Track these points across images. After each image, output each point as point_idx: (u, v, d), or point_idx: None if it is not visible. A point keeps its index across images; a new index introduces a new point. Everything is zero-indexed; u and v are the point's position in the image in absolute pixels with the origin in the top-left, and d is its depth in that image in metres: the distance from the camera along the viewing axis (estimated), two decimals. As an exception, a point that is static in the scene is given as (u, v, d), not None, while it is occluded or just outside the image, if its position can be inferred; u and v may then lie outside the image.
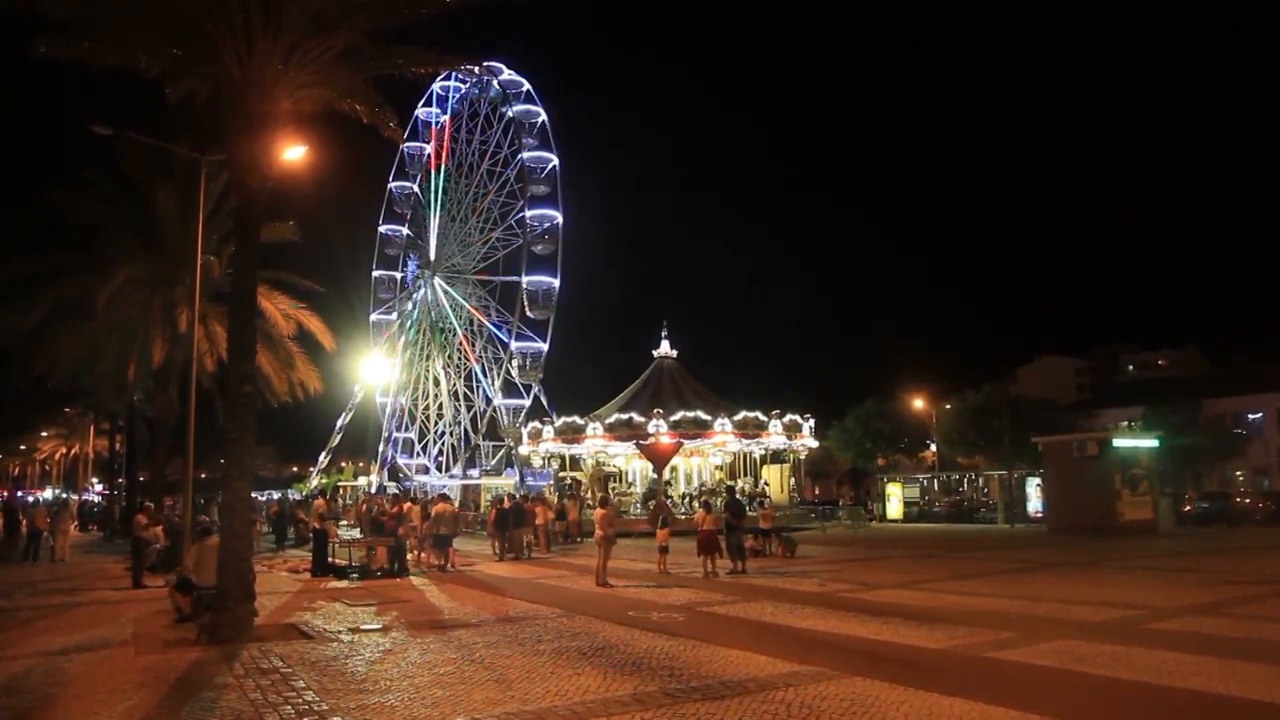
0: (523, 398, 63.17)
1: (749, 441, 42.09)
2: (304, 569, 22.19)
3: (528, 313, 60.88)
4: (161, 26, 13.57)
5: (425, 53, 15.80)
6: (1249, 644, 11.02)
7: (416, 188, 70.61)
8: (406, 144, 68.90)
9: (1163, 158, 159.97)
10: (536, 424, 45.31)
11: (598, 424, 40.31)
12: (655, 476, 41.36)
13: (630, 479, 46.39)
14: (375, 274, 72.47)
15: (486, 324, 64.67)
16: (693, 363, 47.38)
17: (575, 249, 62.46)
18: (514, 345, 61.58)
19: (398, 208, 71.64)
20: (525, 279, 60.60)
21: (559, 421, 42.77)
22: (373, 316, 71.69)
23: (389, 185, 71.41)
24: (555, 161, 62.02)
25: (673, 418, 38.76)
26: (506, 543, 26.47)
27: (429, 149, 70.09)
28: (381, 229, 72.04)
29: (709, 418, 39.44)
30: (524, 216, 61.16)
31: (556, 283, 61.16)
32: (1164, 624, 12.68)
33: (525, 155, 61.68)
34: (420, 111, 69.97)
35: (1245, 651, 10.45)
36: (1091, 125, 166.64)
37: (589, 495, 39.61)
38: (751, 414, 40.62)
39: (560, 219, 61.35)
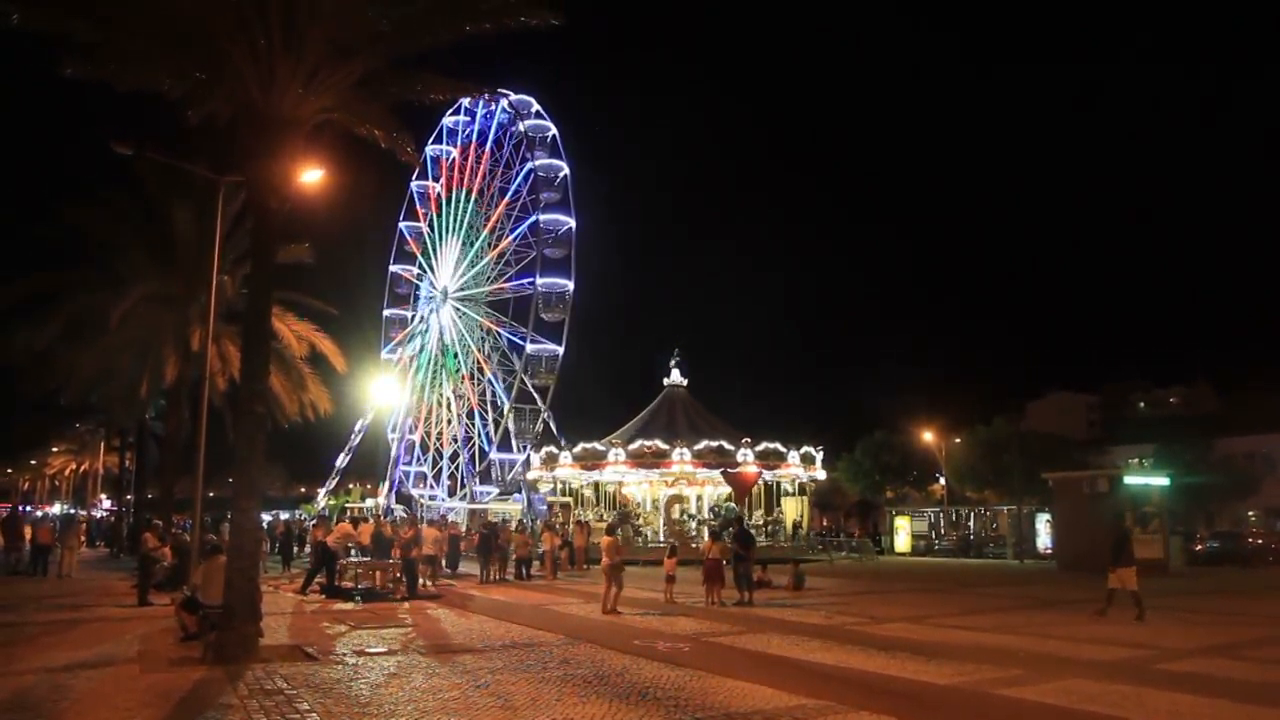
0: (518, 455, 62.85)
1: (803, 473, 43.22)
2: (310, 590, 22.16)
3: (541, 315, 60.95)
4: (185, 49, 13.77)
5: (443, 80, 16.01)
6: (1262, 687, 10.90)
7: (426, 227, 70.85)
8: (415, 183, 69.72)
9: (1176, 192, 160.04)
10: (597, 445, 41.95)
11: (685, 450, 39.37)
12: (731, 505, 41.52)
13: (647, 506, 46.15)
14: (386, 313, 72.70)
15: (500, 331, 64.62)
16: (695, 389, 47.31)
17: (580, 264, 62.66)
18: (529, 349, 61.38)
19: (408, 246, 71.90)
20: (540, 280, 60.82)
21: (634, 445, 40.43)
22: (384, 354, 71.70)
23: (399, 225, 71.66)
24: (566, 170, 62.40)
25: (757, 448, 39.52)
26: (489, 566, 27.53)
27: (439, 187, 70.50)
28: (392, 269, 72.33)
29: (785, 450, 40.90)
30: (538, 222, 61.47)
31: (570, 284, 61.24)
32: (1175, 664, 12.55)
33: (536, 164, 62.01)
34: (430, 149, 70.21)
35: (1259, 695, 10.34)
36: (1104, 157, 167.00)
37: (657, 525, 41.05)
38: (808, 448, 42.42)
39: (573, 223, 61.59)
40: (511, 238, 63.96)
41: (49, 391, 32.14)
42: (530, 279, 61.61)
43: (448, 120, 69.20)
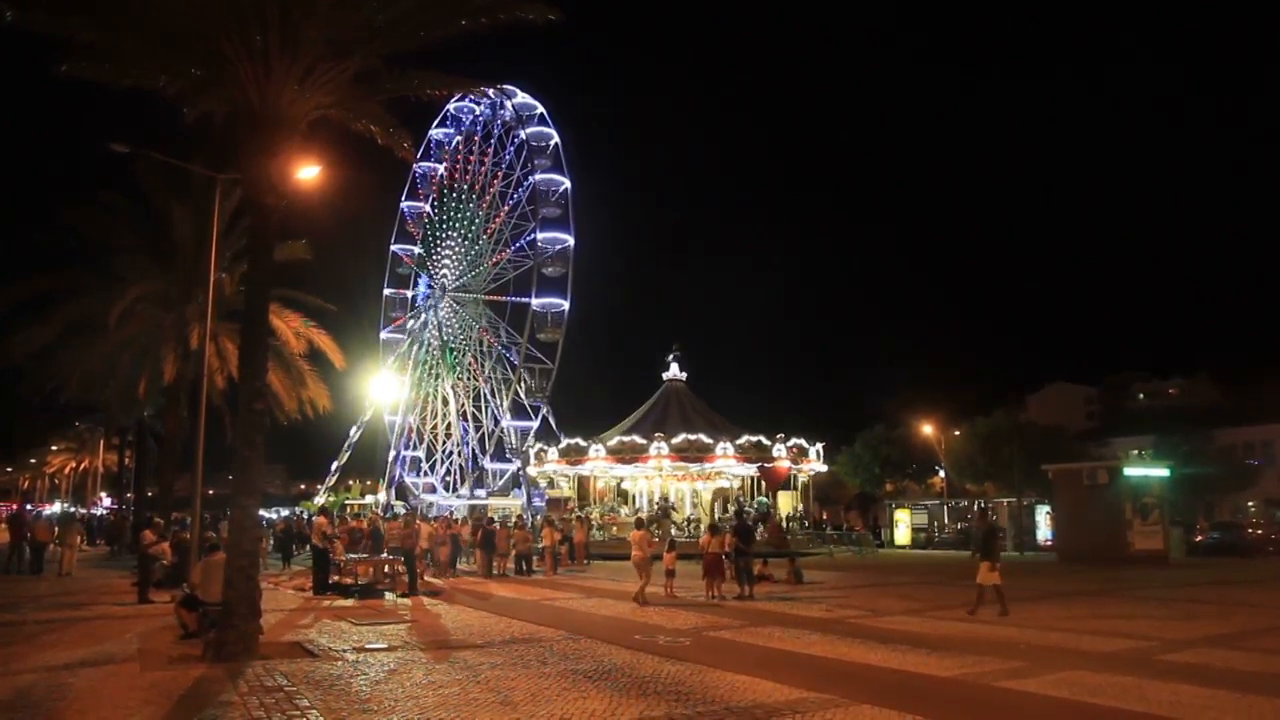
0: (530, 419, 62.91)
1: (820, 466, 45.09)
2: (310, 587, 22.15)
3: (544, 270, 61.42)
4: (181, 49, 13.71)
5: (440, 76, 15.94)
6: (1263, 678, 10.90)
7: (428, 207, 71.14)
8: (419, 164, 69.65)
9: (1177, 184, 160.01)
10: (636, 439, 40.91)
11: (728, 444, 40.22)
12: (764, 500, 42.32)
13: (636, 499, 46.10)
14: (386, 292, 73.00)
15: (505, 299, 64.72)
16: (692, 384, 47.32)
17: (580, 264, 62.85)
18: (535, 303, 61.25)
19: (409, 227, 72.16)
20: (540, 235, 61.21)
21: (678, 439, 40.38)
22: (383, 334, 72.02)
23: (401, 205, 71.94)
24: (567, 184, 62.55)
25: (789, 444, 41.07)
26: (489, 562, 28.02)
27: (442, 169, 70.73)
28: (393, 248, 72.56)
29: (809, 445, 42.54)
30: (535, 239, 61.61)
31: (570, 239, 61.50)
32: (1176, 655, 12.55)
33: (537, 178, 62.21)
34: (435, 132, 70.62)
35: (1259, 685, 10.33)
36: (1103, 149, 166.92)
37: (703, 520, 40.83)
38: (819, 444, 44.13)
39: (571, 241, 61.75)
40: (509, 207, 64.27)
41: (48, 391, 32.11)
42: (531, 236, 61.83)
43: (453, 106, 69.20)
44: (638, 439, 40.93)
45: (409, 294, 72.20)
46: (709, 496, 44.91)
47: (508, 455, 64.71)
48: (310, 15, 13.08)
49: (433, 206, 70.86)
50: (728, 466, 41.65)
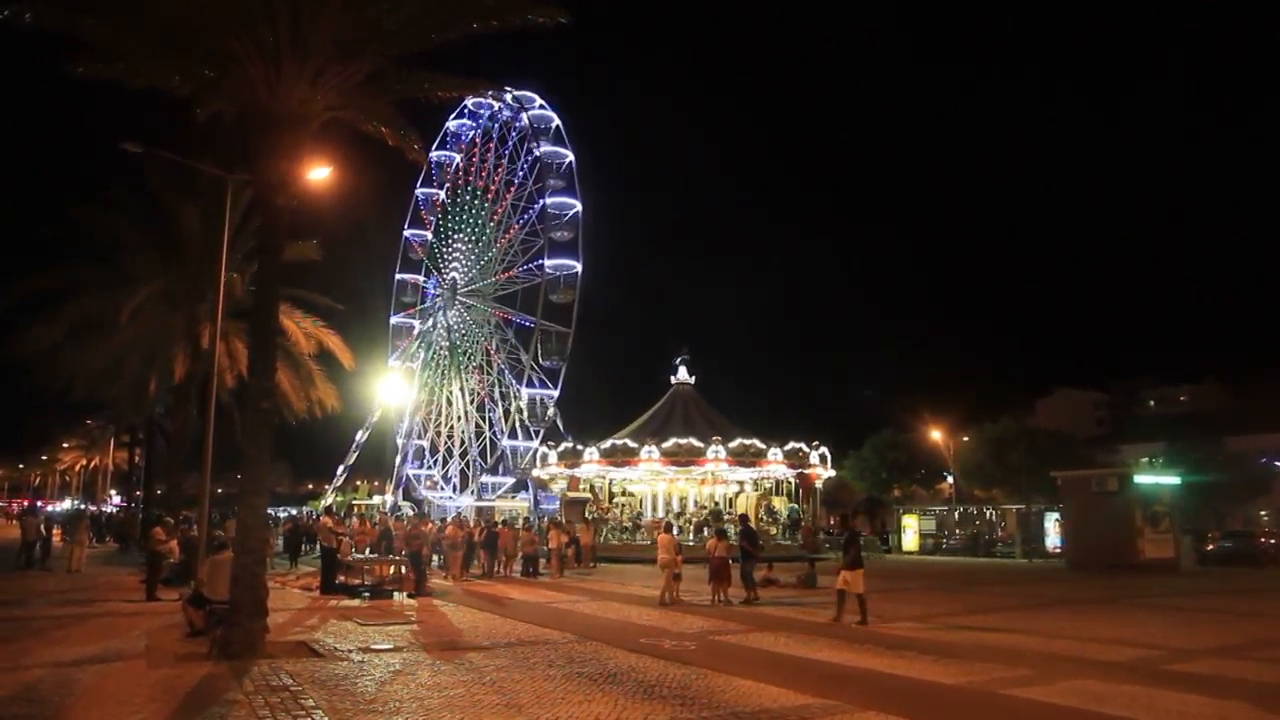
0: (550, 388, 63.24)
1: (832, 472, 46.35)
2: (317, 586, 22.19)
3: (553, 235, 62.11)
4: (192, 49, 13.77)
5: (449, 78, 15.98)
6: (1274, 689, 10.81)
7: (443, 194, 71.37)
8: (421, 189, 70.15)
9: (1186, 189, 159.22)
10: (692, 441, 40.54)
11: (778, 450, 40.77)
12: (795, 506, 42.78)
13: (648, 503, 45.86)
14: (399, 277, 73.36)
15: (515, 277, 64.90)
16: (697, 387, 47.09)
17: (584, 263, 63.09)
18: (548, 264, 61.62)
19: (423, 214, 72.29)
20: (549, 200, 62.04)
21: (734, 443, 40.15)
22: (391, 361, 71.72)
23: (416, 191, 71.99)
24: (571, 158, 63.40)
25: (819, 451, 42.78)
26: (494, 563, 28.38)
27: (458, 159, 70.96)
28: (406, 233, 72.63)
29: (829, 454, 44.11)
30: (544, 207, 62.09)
31: (578, 204, 62.38)
32: (1185, 665, 12.46)
33: (542, 150, 63.01)
34: (452, 123, 70.66)
35: (1270, 697, 10.24)
36: (1112, 154, 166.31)
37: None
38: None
39: (579, 207, 62.35)
40: (516, 185, 64.83)
41: (58, 389, 32.25)
42: (540, 202, 62.50)
43: (452, 124, 69.54)
44: (694, 442, 40.38)
45: (416, 324, 72.21)
46: (754, 502, 44.61)
47: (531, 433, 64.58)
48: (320, 16, 13.13)
49: (445, 202, 71.06)
50: (778, 472, 42.01)
